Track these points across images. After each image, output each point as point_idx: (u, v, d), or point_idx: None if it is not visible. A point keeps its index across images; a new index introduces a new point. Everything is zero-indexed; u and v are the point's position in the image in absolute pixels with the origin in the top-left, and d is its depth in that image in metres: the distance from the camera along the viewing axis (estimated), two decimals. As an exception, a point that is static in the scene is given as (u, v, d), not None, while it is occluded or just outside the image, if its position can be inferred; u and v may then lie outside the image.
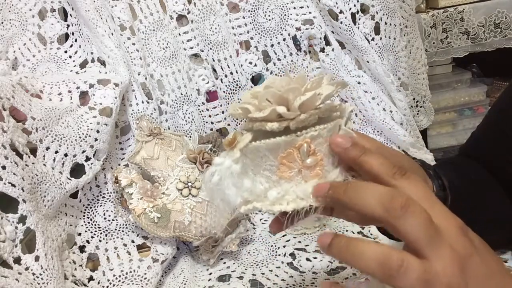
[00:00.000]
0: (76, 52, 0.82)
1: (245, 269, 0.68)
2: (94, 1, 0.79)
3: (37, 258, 0.54)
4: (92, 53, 0.81)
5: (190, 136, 0.78)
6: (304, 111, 0.33)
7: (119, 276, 0.67)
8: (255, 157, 0.35)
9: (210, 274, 0.68)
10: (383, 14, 0.82)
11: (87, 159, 0.70)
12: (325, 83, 0.34)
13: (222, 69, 0.84)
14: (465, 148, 0.62)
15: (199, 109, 0.83)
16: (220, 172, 0.35)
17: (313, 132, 0.33)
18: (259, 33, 0.85)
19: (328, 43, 0.85)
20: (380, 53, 0.83)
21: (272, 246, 0.73)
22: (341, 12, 0.81)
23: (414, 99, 0.92)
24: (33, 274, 0.53)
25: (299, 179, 0.34)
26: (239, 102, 0.38)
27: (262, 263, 0.69)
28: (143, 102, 0.79)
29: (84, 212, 0.72)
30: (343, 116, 0.36)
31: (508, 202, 0.54)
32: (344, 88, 0.37)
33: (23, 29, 0.81)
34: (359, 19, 0.82)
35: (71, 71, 0.81)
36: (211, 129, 0.84)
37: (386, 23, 0.83)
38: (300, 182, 0.34)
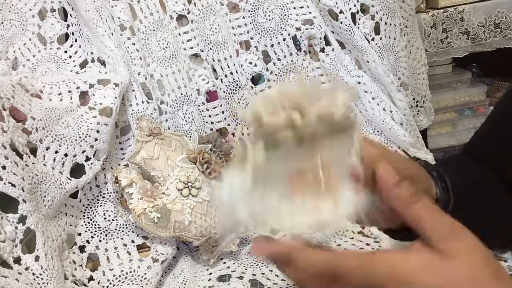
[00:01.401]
0: (76, 52, 0.82)
1: (245, 269, 0.68)
2: (94, 1, 0.79)
3: (37, 258, 0.54)
4: (92, 53, 0.81)
5: (190, 136, 0.78)
6: (319, 120, 0.32)
7: (119, 276, 0.67)
8: (266, 174, 0.33)
9: (210, 274, 0.68)
10: (383, 14, 0.82)
11: (87, 159, 0.70)
12: (340, 93, 0.33)
13: (222, 69, 0.84)
14: (468, 147, 0.62)
15: (199, 109, 0.83)
16: (231, 189, 0.33)
17: (327, 149, 0.32)
18: (259, 33, 0.85)
19: (328, 43, 0.85)
20: (380, 53, 0.83)
21: (272, 246, 0.73)
22: (341, 12, 0.81)
23: (414, 99, 0.92)
24: (33, 274, 0.53)
25: (311, 198, 0.33)
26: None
27: (262, 263, 0.69)
28: (143, 102, 0.79)
29: (84, 212, 0.72)
30: (355, 128, 0.34)
31: (509, 203, 0.53)
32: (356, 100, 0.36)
33: (23, 29, 0.81)
34: (359, 19, 0.82)
35: (71, 71, 0.81)
36: (211, 129, 0.84)
37: (386, 23, 0.83)
38: (311, 202, 0.33)
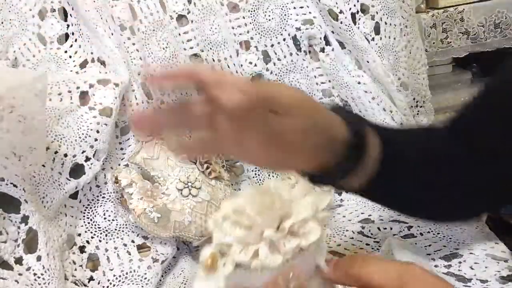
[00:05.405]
0: (76, 52, 0.82)
1: (245, 269, 0.68)
2: (94, 1, 0.79)
3: (39, 258, 0.54)
4: (92, 53, 0.81)
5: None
6: (290, 253, 0.33)
7: (119, 276, 0.67)
8: (239, 280, 0.33)
9: (210, 274, 0.68)
10: (383, 14, 0.82)
11: (87, 159, 0.70)
12: (312, 218, 0.33)
13: (222, 69, 0.84)
14: (450, 120, 0.61)
15: (199, 109, 0.83)
16: None
17: (298, 258, 0.33)
18: (259, 33, 0.85)
19: (328, 43, 0.85)
20: (380, 53, 0.83)
21: (272, 246, 0.73)
22: (341, 12, 0.81)
23: (414, 99, 0.92)
24: (35, 274, 0.53)
25: None
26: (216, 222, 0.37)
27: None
28: (143, 102, 0.79)
29: (84, 213, 0.72)
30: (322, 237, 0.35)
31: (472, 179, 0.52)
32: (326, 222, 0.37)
33: (23, 29, 0.81)
34: (359, 19, 0.82)
35: (71, 71, 0.81)
36: (211, 129, 0.84)
37: (386, 23, 0.83)
38: None
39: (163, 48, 0.82)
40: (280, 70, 0.85)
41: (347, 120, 0.46)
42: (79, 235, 0.70)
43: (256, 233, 0.33)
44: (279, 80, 0.85)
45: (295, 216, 0.33)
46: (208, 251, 0.33)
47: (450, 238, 0.65)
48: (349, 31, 0.82)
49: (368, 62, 0.83)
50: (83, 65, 0.82)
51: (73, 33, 0.82)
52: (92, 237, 0.71)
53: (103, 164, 0.73)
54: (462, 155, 0.53)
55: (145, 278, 0.67)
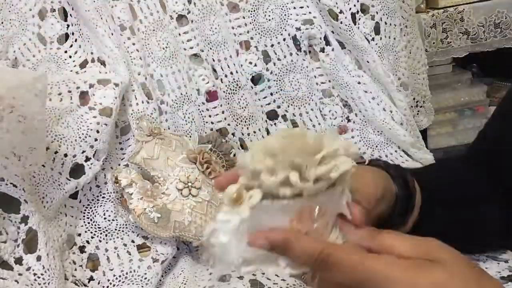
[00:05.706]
0: (76, 52, 0.82)
1: (245, 269, 0.68)
2: (94, 1, 0.79)
3: (38, 258, 0.55)
4: (92, 53, 0.81)
5: (190, 136, 0.78)
6: (317, 181, 0.33)
7: (119, 276, 0.67)
8: (263, 216, 0.33)
9: (210, 274, 0.68)
10: (383, 14, 0.82)
11: (87, 159, 0.70)
12: (342, 154, 0.34)
13: (222, 69, 0.84)
14: (470, 149, 0.62)
15: (199, 109, 0.83)
16: (227, 231, 0.33)
17: (324, 196, 0.33)
18: (259, 33, 0.85)
19: (328, 43, 0.85)
20: (380, 53, 0.83)
21: (272, 246, 0.73)
22: (341, 12, 0.81)
23: (414, 99, 0.92)
24: (35, 274, 0.53)
25: None
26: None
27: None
28: (143, 102, 0.79)
29: (84, 213, 0.72)
30: (348, 175, 0.35)
31: (498, 210, 0.54)
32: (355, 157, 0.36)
33: (23, 29, 0.81)
34: (359, 19, 0.82)
35: (71, 71, 0.81)
36: (211, 129, 0.84)
37: (386, 23, 0.83)
38: None
39: (163, 48, 0.82)
40: (280, 70, 0.85)
41: (390, 173, 0.47)
42: (79, 235, 0.70)
43: (286, 161, 0.32)
44: (279, 80, 0.85)
45: (327, 148, 0.33)
46: (234, 187, 0.33)
47: (450, 238, 0.65)
48: (349, 31, 0.82)
49: (368, 62, 0.83)
50: (83, 65, 0.82)
51: (73, 33, 0.82)
52: (92, 237, 0.71)
53: (103, 164, 0.73)
54: (488, 187, 0.55)
55: (145, 278, 0.67)
